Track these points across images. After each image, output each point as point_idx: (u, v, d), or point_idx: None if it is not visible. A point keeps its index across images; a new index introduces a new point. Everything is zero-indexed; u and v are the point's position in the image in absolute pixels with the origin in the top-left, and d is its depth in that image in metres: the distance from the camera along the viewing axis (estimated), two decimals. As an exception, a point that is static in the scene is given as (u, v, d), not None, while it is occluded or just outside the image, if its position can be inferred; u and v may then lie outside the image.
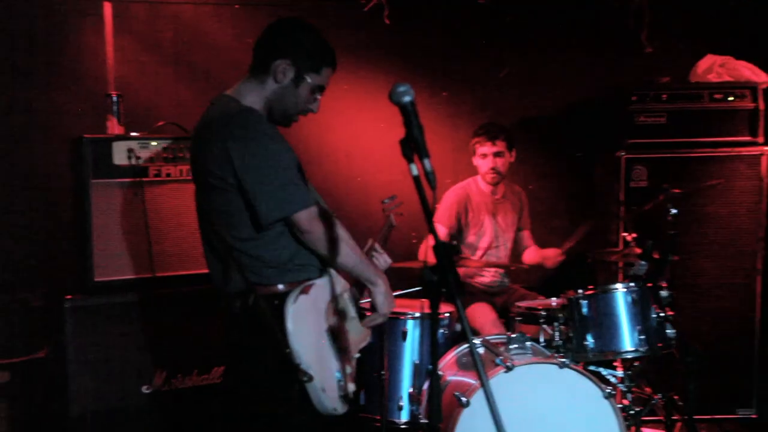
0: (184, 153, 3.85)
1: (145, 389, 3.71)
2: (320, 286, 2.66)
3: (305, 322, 2.54)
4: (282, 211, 2.50)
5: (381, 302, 2.77)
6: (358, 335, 2.86)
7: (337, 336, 2.70)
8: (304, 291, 2.56)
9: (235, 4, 4.76)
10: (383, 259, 3.06)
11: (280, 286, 2.58)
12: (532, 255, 4.73)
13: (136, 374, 3.69)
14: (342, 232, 2.63)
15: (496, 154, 4.54)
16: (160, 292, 3.76)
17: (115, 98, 3.93)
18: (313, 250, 2.60)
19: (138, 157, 3.74)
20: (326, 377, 2.58)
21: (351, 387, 2.73)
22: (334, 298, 2.74)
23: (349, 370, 2.74)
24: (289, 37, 2.69)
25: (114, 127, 3.91)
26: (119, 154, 3.73)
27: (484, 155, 4.56)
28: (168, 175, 3.83)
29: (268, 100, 2.69)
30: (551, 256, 4.51)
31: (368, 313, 2.83)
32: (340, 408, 2.61)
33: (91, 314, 3.62)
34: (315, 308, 2.62)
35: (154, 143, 3.81)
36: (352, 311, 2.83)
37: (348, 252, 2.64)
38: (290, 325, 2.46)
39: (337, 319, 2.73)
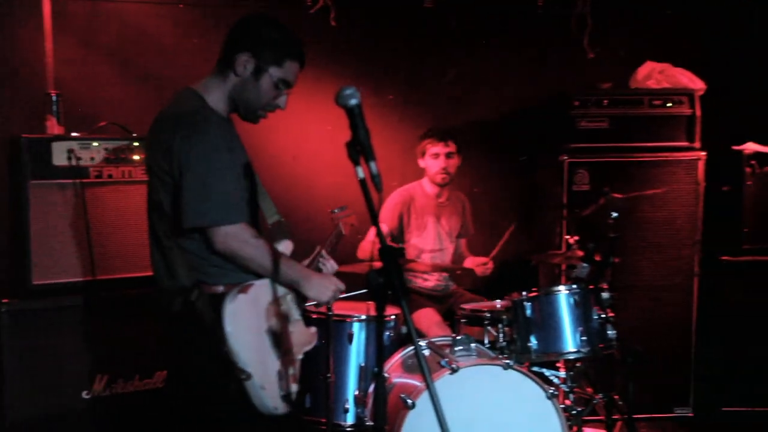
0: (127, 154, 3.79)
1: (85, 395, 3.63)
2: (260, 287, 2.66)
3: (244, 321, 2.54)
4: (199, 220, 2.50)
5: (315, 294, 2.77)
6: (302, 337, 2.86)
7: (278, 337, 2.70)
8: (243, 290, 2.56)
9: (179, 3, 4.71)
10: (330, 265, 3.06)
11: (221, 287, 2.58)
12: (465, 261, 4.80)
13: (75, 380, 3.61)
14: (260, 249, 2.61)
15: (448, 155, 4.58)
16: (102, 295, 3.69)
17: (54, 97, 3.84)
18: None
19: (78, 158, 3.66)
20: (266, 376, 2.58)
21: (293, 387, 2.74)
22: (276, 300, 2.73)
23: (291, 370, 2.74)
24: (252, 30, 2.70)
25: (53, 127, 3.83)
26: (59, 155, 3.65)
27: (436, 155, 4.59)
28: (110, 176, 3.76)
29: (231, 94, 2.69)
30: (478, 264, 4.60)
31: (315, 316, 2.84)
32: (281, 407, 2.62)
33: (28, 318, 3.53)
34: (255, 308, 2.63)
35: (95, 144, 3.73)
36: (295, 313, 2.84)
37: (267, 268, 2.63)
38: (228, 323, 2.46)
39: (279, 321, 2.72)
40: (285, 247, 2.87)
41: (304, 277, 2.75)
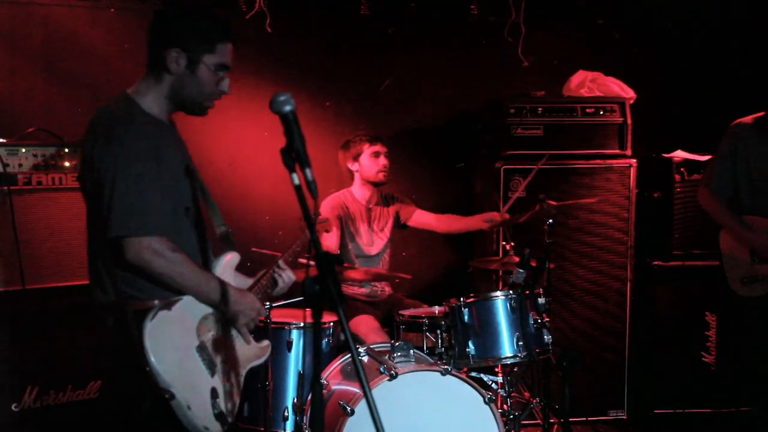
0: (56, 160, 3.68)
1: (14, 407, 3.51)
2: (189, 303, 2.54)
3: (167, 339, 2.43)
4: (114, 231, 2.39)
5: (233, 317, 2.64)
6: (247, 352, 2.78)
7: (212, 354, 2.59)
8: (167, 307, 2.46)
9: (110, 8, 4.62)
10: (286, 275, 2.97)
11: (156, 301, 2.47)
12: (452, 220, 4.77)
13: (5, 392, 3.49)
14: (176, 264, 2.47)
15: (386, 154, 4.62)
16: (31, 304, 3.58)
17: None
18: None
19: (6, 165, 3.55)
20: (194, 395, 2.47)
21: (230, 405, 2.64)
22: (210, 315, 2.62)
23: (228, 387, 2.65)
24: (173, 23, 2.58)
25: (-21, 132, 3.71)
26: (-15, 162, 3.54)
27: (377, 153, 4.61)
28: (39, 183, 3.65)
29: (169, 94, 2.58)
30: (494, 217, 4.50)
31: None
32: (213, 427, 2.51)
33: (-46, 329, 3.41)
34: (182, 325, 2.51)
35: (23, 150, 3.62)
36: (219, 322, 2.69)
37: (185, 284, 2.51)
38: (148, 342, 2.36)
39: (214, 337, 2.62)
40: (230, 259, 2.78)
41: (222, 299, 2.59)
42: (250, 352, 2.80)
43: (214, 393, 2.56)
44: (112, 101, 2.58)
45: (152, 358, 2.35)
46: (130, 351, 2.38)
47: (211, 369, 2.58)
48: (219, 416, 2.55)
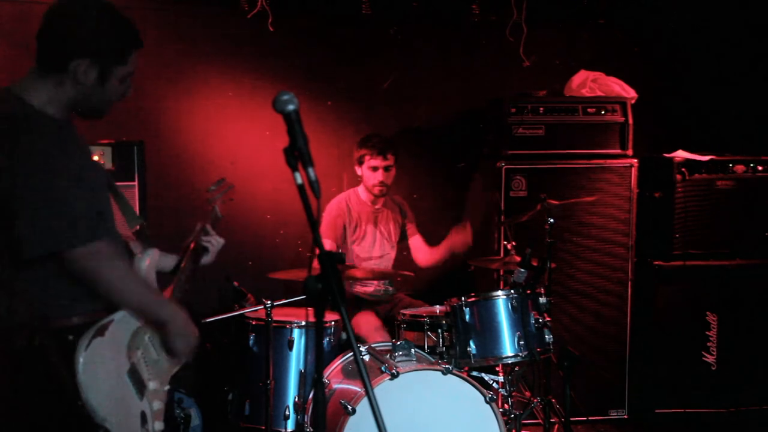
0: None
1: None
2: (119, 323, 2.32)
3: (101, 369, 2.22)
4: (48, 246, 2.13)
5: (177, 346, 2.43)
6: (167, 364, 2.54)
7: (140, 374, 2.39)
8: (100, 333, 2.22)
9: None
10: (215, 240, 2.85)
11: (75, 319, 2.24)
12: (433, 253, 4.76)
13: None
14: (125, 271, 2.31)
15: (386, 168, 4.58)
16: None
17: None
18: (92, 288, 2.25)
19: None
20: (128, 424, 2.28)
21: (158, 426, 2.44)
22: (137, 332, 2.40)
23: (156, 406, 2.44)
24: (84, 29, 2.26)
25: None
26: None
27: (375, 168, 4.57)
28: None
29: (70, 102, 2.31)
30: (459, 241, 4.56)
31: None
32: None
33: None
34: (114, 349, 2.30)
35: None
36: (157, 342, 2.48)
37: (132, 295, 2.31)
38: (82, 376, 2.13)
39: (142, 356, 2.41)
40: (152, 256, 2.55)
41: (172, 319, 2.39)
42: (169, 364, 2.56)
43: (143, 417, 2.37)
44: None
45: (87, 394, 2.14)
46: (51, 381, 2.17)
47: (140, 392, 2.38)
48: None
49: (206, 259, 2.85)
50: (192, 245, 2.80)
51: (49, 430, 2.23)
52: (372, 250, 4.67)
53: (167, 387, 2.54)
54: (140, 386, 2.38)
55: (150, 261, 2.53)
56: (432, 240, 4.83)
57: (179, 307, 2.45)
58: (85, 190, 2.25)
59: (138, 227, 2.61)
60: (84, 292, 2.25)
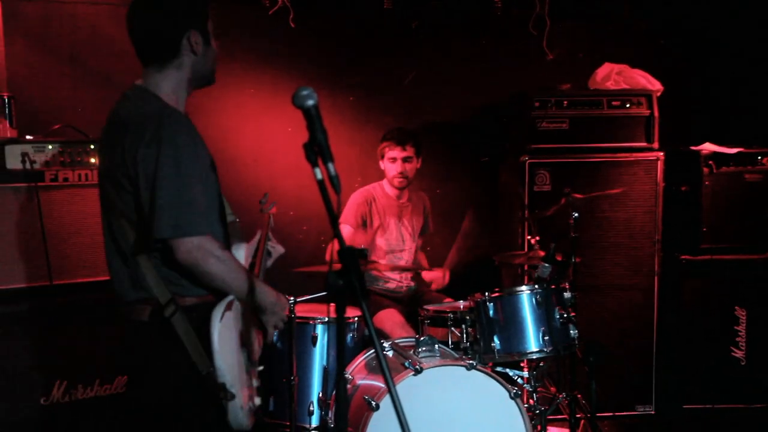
0: (83, 156, 3.71)
1: (43, 401, 3.55)
2: (236, 300, 2.53)
3: (229, 340, 2.44)
4: (164, 231, 2.34)
5: (273, 321, 2.65)
6: (257, 345, 2.76)
7: (249, 350, 2.61)
8: (228, 308, 2.42)
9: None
10: (278, 248, 3.02)
11: (194, 299, 2.45)
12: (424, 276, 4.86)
13: (33, 386, 3.53)
14: (228, 266, 2.45)
15: (405, 159, 4.57)
16: (58, 300, 3.61)
17: (6, 100, 3.75)
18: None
19: (33, 161, 3.58)
20: (243, 393, 2.48)
21: (257, 401, 2.65)
22: (246, 311, 2.61)
23: (256, 383, 2.66)
24: (174, 6, 2.52)
25: (6, 130, 3.74)
26: (12, 159, 3.55)
27: (393, 159, 4.58)
28: (65, 179, 3.68)
29: (191, 78, 2.57)
30: (437, 278, 4.70)
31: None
32: (250, 424, 2.51)
33: (-16, 324, 3.44)
34: (236, 324, 2.52)
35: (50, 147, 3.65)
36: (252, 320, 2.71)
37: (234, 287, 2.48)
38: (217, 344, 2.34)
39: (250, 333, 2.63)
40: (243, 250, 2.75)
41: (272, 303, 2.61)
42: (258, 345, 2.78)
43: (249, 390, 2.58)
44: (133, 96, 2.51)
45: (219, 360, 2.34)
46: (179, 350, 2.38)
47: (248, 366, 2.59)
48: (254, 413, 2.56)
49: (268, 264, 3.02)
50: (261, 248, 2.95)
51: (181, 393, 2.44)
52: (395, 244, 4.66)
53: (261, 367, 2.72)
54: (249, 362, 2.60)
55: (245, 254, 2.74)
56: (450, 235, 4.83)
57: (268, 286, 2.62)
58: (204, 186, 2.46)
59: (232, 222, 2.77)
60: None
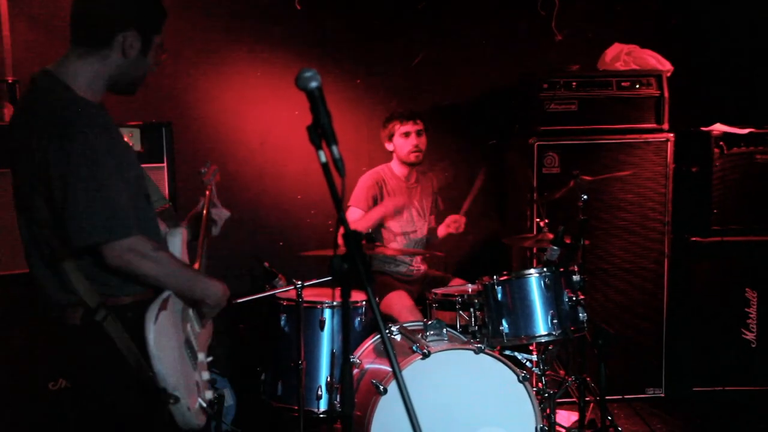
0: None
1: (51, 386, 3.53)
2: (174, 296, 2.41)
3: (167, 341, 2.31)
4: (87, 238, 2.18)
5: (209, 314, 2.55)
6: (205, 336, 2.66)
7: (192, 345, 2.51)
8: (163, 307, 2.31)
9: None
10: (224, 212, 2.94)
11: (128, 298, 2.33)
12: (439, 231, 4.79)
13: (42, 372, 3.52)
14: (161, 262, 2.32)
15: (419, 133, 4.57)
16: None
17: (11, 84, 3.74)
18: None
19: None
20: (189, 393, 2.36)
21: (208, 395, 2.53)
22: (185, 306, 2.51)
23: (205, 377, 2.55)
24: (126, 1, 2.38)
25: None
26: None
27: (407, 134, 4.56)
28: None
29: (113, 77, 2.37)
30: (450, 223, 4.63)
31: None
32: (202, 420, 2.40)
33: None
34: (173, 322, 2.40)
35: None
36: (193, 313, 2.59)
37: (170, 282, 2.37)
38: (153, 348, 2.21)
39: (191, 327, 2.53)
40: (180, 235, 2.66)
41: (205, 289, 2.47)
42: (207, 335, 2.70)
43: (198, 386, 2.47)
44: (41, 85, 2.31)
45: (158, 365, 2.22)
46: (114, 355, 2.26)
47: (193, 362, 2.49)
48: (204, 410, 2.45)
49: (215, 231, 2.92)
50: (204, 218, 2.86)
51: (121, 399, 2.32)
52: (405, 225, 4.64)
53: (210, 358, 2.64)
54: (193, 357, 2.49)
55: (182, 238, 2.65)
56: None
57: (208, 278, 2.51)
58: (125, 181, 2.30)
59: (164, 207, 2.66)
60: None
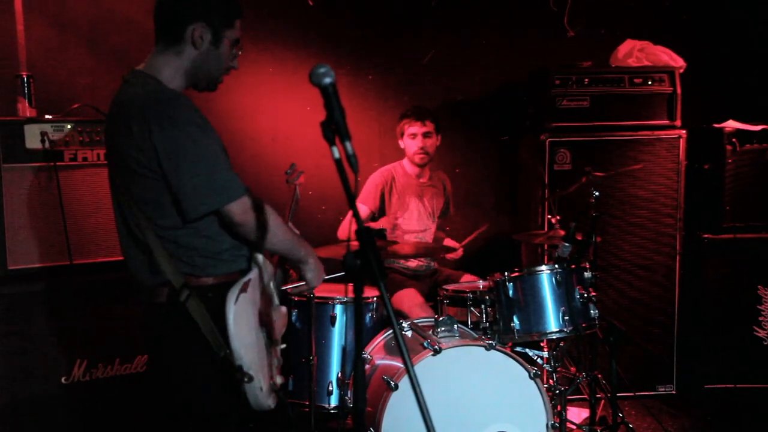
0: (101, 136, 3.71)
1: (63, 380, 3.58)
2: (255, 280, 2.52)
3: (245, 322, 2.43)
4: (211, 204, 2.37)
5: (311, 278, 2.70)
6: (280, 322, 2.77)
7: (268, 329, 2.61)
8: (244, 289, 2.42)
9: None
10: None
11: (210, 279, 2.47)
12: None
13: (53, 365, 3.56)
14: (273, 216, 2.50)
15: (426, 135, 4.55)
16: (78, 279, 3.63)
17: (25, 79, 3.75)
18: (246, 239, 2.50)
19: (52, 141, 3.59)
20: (264, 374, 2.47)
21: (279, 379, 2.64)
22: (264, 290, 2.62)
23: (276, 362, 2.66)
24: None
25: (25, 109, 3.74)
26: (32, 138, 3.56)
27: (414, 135, 4.56)
28: (84, 159, 3.69)
29: (190, 70, 2.53)
30: (449, 250, 4.69)
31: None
32: (272, 404, 2.52)
33: (4, 303, 3.46)
34: (252, 305, 2.50)
35: (68, 126, 3.66)
36: (276, 299, 2.73)
37: (282, 237, 2.54)
38: (232, 327, 2.35)
39: (268, 312, 2.62)
40: None
41: (311, 259, 2.66)
42: (282, 323, 2.78)
43: (270, 369, 2.57)
44: (134, 80, 2.48)
45: (235, 343, 2.35)
46: (195, 332, 2.38)
47: (268, 345, 2.59)
48: (276, 392, 2.56)
49: None
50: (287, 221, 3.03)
51: (200, 375, 2.47)
52: (414, 223, 4.64)
53: (283, 345, 2.74)
54: (268, 340, 2.60)
55: None
56: (471, 214, 4.81)
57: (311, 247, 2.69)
58: (224, 151, 2.48)
59: None
60: (224, 256, 2.49)
